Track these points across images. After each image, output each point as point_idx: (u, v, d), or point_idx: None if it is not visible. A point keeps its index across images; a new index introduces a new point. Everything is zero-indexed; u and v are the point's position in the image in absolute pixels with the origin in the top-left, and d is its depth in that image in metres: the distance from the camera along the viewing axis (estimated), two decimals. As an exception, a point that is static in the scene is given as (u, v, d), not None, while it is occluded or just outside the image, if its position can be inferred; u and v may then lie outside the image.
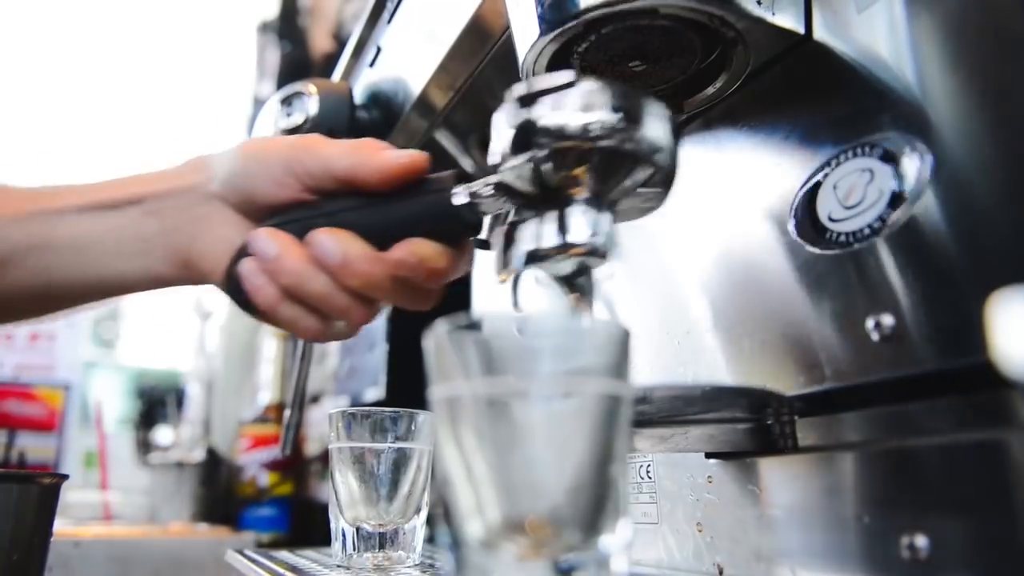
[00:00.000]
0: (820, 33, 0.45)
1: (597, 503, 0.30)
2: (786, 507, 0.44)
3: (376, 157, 0.46)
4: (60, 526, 1.21)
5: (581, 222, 0.37)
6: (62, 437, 1.51)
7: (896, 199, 0.39)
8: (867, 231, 0.40)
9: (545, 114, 0.35)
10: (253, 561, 0.65)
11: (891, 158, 0.40)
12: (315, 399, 1.26)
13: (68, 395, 1.54)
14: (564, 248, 0.37)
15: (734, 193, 0.40)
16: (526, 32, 0.45)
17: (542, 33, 0.44)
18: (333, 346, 1.21)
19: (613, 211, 0.38)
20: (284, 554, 0.69)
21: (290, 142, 0.50)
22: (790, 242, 0.44)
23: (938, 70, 0.39)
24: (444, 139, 0.73)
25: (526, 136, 0.35)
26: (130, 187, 0.51)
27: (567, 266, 0.39)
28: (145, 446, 1.80)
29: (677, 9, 0.42)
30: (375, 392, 1.00)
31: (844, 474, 0.41)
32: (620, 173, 0.37)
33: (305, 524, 1.24)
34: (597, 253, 0.37)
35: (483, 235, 0.62)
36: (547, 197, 0.38)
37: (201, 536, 1.14)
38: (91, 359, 2.01)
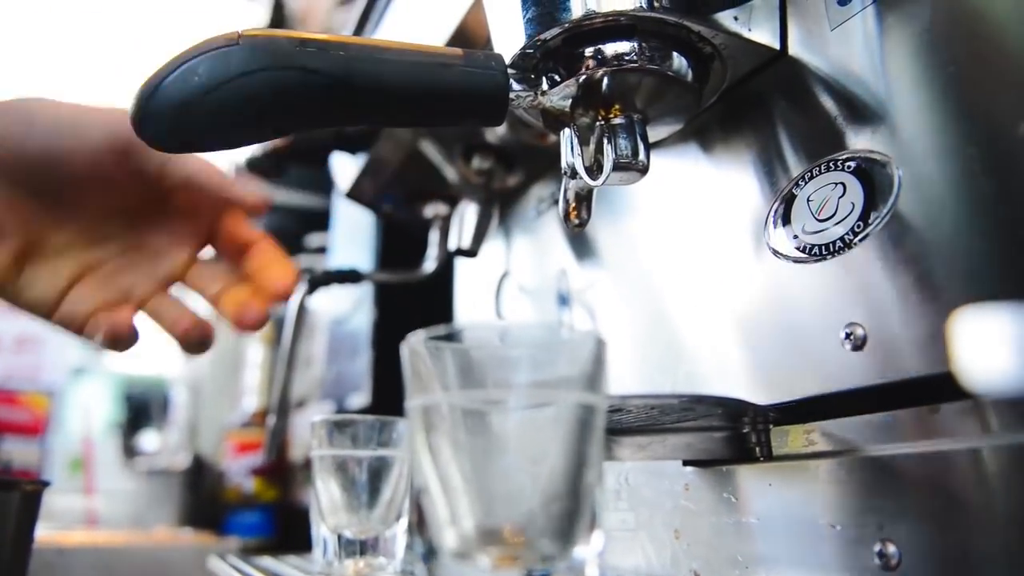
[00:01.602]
0: (795, 49, 0.46)
1: (572, 512, 0.30)
2: (761, 514, 0.45)
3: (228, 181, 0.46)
4: (44, 531, 1.21)
5: (623, 141, 0.44)
6: (47, 442, 1.50)
7: (867, 212, 0.40)
8: (839, 243, 0.41)
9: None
10: (235, 567, 0.65)
11: (863, 172, 0.41)
12: (300, 405, 1.26)
13: (54, 400, 1.53)
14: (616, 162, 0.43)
15: (710, 205, 0.40)
16: (506, 44, 0.46)
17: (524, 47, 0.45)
18: (319, 352, 1.21)
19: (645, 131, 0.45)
20: (267, 560, 0.69)
21: (121, 112, 0.41)
22: (765, 253, 0.45)
23: (910, 85, 0.40)
24: (429, 149, 0.74)
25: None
26: None
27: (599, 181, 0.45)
28: (130, 451, 1.79)
29: (656, 25, 0.43)
30: (360, 398, 1.00)
31: (817, 482, 0.41)
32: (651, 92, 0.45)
33: (290, 530, 1.24)
34: (637, 167, 0.44)
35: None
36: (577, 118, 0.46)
37: (185, 542, 1.14)
38: (78, 364, 2.00)
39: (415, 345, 0.31)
